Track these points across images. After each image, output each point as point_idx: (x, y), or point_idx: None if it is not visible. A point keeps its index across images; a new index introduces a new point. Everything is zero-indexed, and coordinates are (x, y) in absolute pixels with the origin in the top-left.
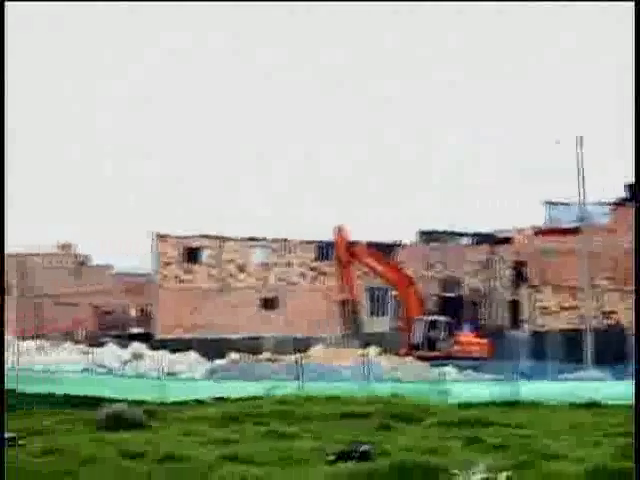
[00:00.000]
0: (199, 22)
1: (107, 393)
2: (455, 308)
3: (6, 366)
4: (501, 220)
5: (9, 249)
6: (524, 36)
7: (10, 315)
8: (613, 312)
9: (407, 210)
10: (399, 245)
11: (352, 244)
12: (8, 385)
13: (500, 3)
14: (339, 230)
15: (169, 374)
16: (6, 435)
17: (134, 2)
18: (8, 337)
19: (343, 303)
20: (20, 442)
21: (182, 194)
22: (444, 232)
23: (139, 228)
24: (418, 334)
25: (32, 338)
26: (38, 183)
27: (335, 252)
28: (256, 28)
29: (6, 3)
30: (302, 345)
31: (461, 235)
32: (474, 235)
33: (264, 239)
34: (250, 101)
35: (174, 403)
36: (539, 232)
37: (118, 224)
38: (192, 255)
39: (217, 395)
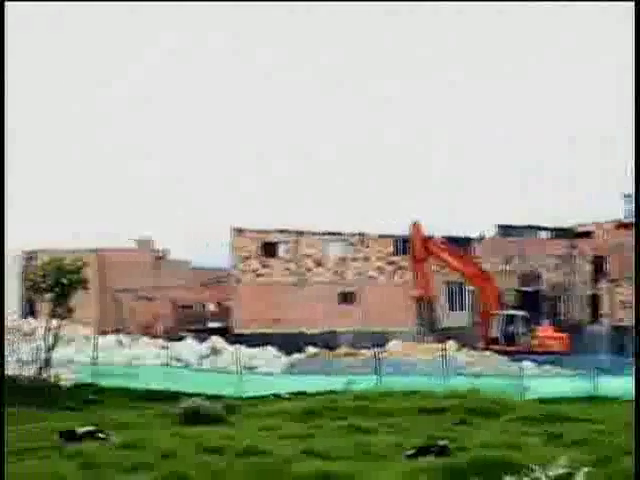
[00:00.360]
0: (198, 22)
1: (185, 388)
2: (534, 302)
3: (86, 361)
4: (580, 214)
5: (88, 244)
6: (524, 36)
7: (89, 311)
8: None
9: (484, 204)
10: (478, 239)
11: (428, 239)
12: (88, 380)
13: (500, 3)
14: (415, 226)
15: (247, 368)
16: (88, 428)
17: (134, 2)
18: (87, 333)
19: (419, 298)
20: (100, 435)
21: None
22: (523, 226)
23: (215, 223)
24: (496, 329)
25: (111, 333)
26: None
27: (411, 248)
28: (255, 28)
29: (6, 3)
30: (380, 339)
31: (540, 229)
32: (553, 229)
33: (341, 233)
34: (251, 101)
35: (252, 398)
36: (620, 226)
37: (195, 219)
38: (269, 249)
39: (295, 390)
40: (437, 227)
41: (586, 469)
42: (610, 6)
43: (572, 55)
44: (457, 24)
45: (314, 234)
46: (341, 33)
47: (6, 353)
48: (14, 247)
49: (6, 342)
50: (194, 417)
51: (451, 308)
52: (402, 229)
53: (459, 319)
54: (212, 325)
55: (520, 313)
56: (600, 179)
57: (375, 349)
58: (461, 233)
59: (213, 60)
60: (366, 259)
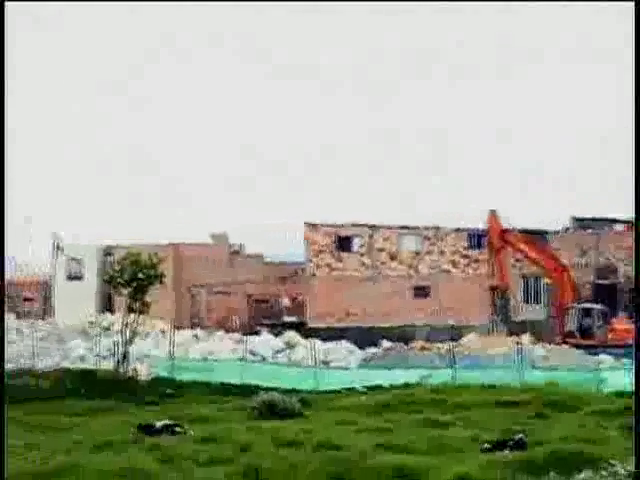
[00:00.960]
0: (198, 22)
1: (261, 382)
2: (610, 295)
3: (163, 356)
4: None
5: (163, 240)
6: (524, 36)
7: (166, 305)
8: None
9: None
10: (553, 232)
11: (505, 231)
12: (166, 374)
13: (500, 3)
14: (492, 215)
15: (322, 363)
16: (166, 422)
17: (133, 2)
18: (164, 327)
19: (495, 289)
20: (178, 429)
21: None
22: (599, 218)
23: (289, 217)
24: (572, 322)
25: (187, 328)
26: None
27: (488, 238)
28: (255, 28)
29: (6, 3)
30: (455, 333)
31: (616, 222)
32: (628, 222)
33: (415, 227)
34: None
35: (328, 392)
36: None
37: (268, 213)
38: (344, 243)
39: (371, 384)
40: (512, 219)
41: None
42: (610, 6)
43: (572, 55)
44: (457, 24)
45: (389, 228)
46: (340, 33)
47: (85, 346)
48: (92, 243)
49: (85, 336)
50: (270, 411)
51: (527, 301)
52: (474, 223)
53: (535, 312)
54: (287, 319)
55: (597, 306)
56: None
57: (450, 343)
58: (536, 226)
59: (213, 60)
60: (441, 253)
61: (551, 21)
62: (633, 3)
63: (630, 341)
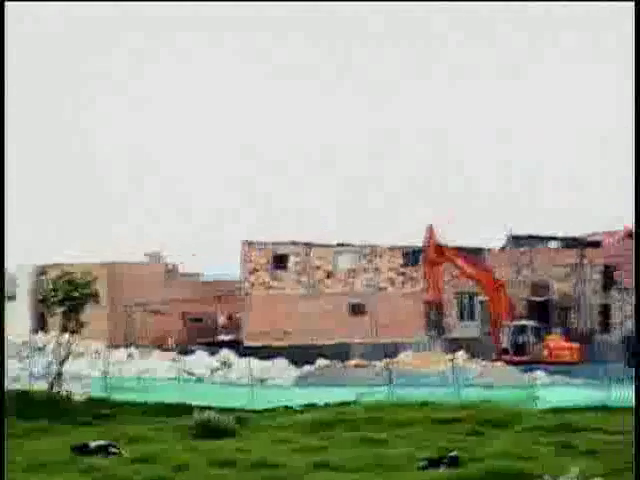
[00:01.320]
0: (198, 22)
1: (197, 401)
2: (544, 312)
3: (97, 375)
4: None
5: (100, 259)
6: (524, 36)
7: (101, 324)
8: None
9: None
10: (488, 249)
11: (441, 246)
12: (100, 394)
13: (500, 3)
14: (429, 229)
15: (258, 381)
16: (100, 443)
17: (131, 2)
18: (99, 346)
19: (429, 304)
20: (113, 449)
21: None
22: (532, 236)
23: (224, 236)
24: (507, 339)
25: (122, 347)
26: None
27: (424, 251)
28: (255, 28)
29: (6, 3)
30: (391, 351)
31: (550, 239)
32: (563, 239)
33: (351, 245)
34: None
35: (264, 410)
36: (629, 234)
37: (203, 232)
38: (280, 262)
39: (307, 402)
40: (447, 237)
41: None
42: (610, 6)
43: (572, 55)
44: (457, 24)
45: (324, 246)
46: (341, 34)
47: (19, 367)
48: (25, 262)
49: (18, 356)
50: (206, 430)
51: (462, 318)
52: (410, 240)
53: (470, 329)
54: (223, 338)
55: (531, 323)
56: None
57: (386, 360)
58: (470, 243)
59: (213, 60)
60: (377, 270)
61: (551, 21)
62: (633, 3)
63: (565, 358)
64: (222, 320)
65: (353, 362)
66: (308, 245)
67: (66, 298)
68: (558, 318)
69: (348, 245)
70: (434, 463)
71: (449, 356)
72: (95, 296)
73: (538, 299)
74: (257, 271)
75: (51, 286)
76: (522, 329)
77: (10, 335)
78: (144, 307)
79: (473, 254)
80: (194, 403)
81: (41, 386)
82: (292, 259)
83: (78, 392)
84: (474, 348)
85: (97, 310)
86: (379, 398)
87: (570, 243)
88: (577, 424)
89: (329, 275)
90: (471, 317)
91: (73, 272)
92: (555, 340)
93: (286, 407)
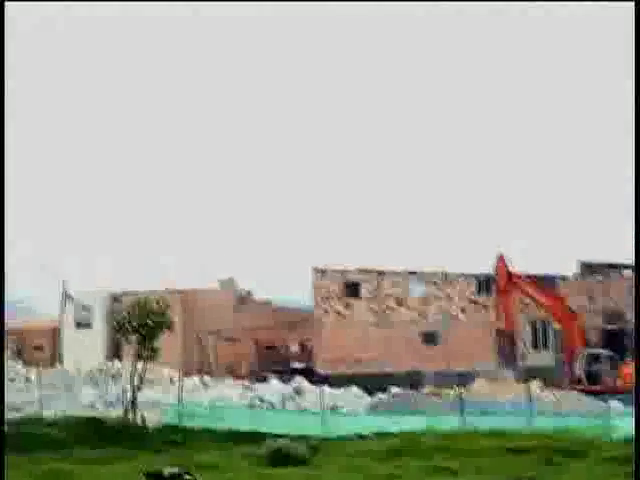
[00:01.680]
0: (198, 23)
1: (270, 428)
2: (618, 341)
3: (171, 402)
4: None
5: (174, 285)
6: (524, 36)
7: (174, 352)
8: None
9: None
10: (561, 277)
11: (513, 275)
12: (174, 421)
13: (500, 3)
14: (500, 258)
15: (331, 409)
16: (174, 470)
17: (130, 2)
18: (172, 374)
19: (501, 333)
20: (187, 477)
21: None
22: (606, 264)
23: (296, 263)
24: (581, 367)
25: (196, 374)
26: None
27: (496, 280)
28: (255, 28)
29: (6, 3)
30: (463, 379)
31: (624, 267)
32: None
33: (423, 272)
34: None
35: (337, 438)
36: None
37: (276, 259)
38: (351, 289)
39: (379, 430)
40: (517, 265)
41: None
42: (610, 6)
43: (571, 56)
44: (457, 24)
45: (395, 273)
46: (341, 35)
47: (93, 393)
48: (100, 289)
49: (92, 383)
50: (279, 458)
51: (535, 347)
52: (483, 268)
53: (543, 358)
54: (295, 366)
55: (605, 352)
56: None
57: (459, 389)
58: (542, 271)
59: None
60: (449, 298)
61: (551, 21)
62: (633, 3)
63: None
64: (294, 348)
65: (426, 390)
66: (379, 272)
67: (141, 325)
68: (633, 347)
69: (419, 272)
70: None
71: (523, 385)
72: (169, 324)
73: (612, 327)
74: (329, 299)
75: (126, 314)
76: (596, 358)
77: (85, 362)
78: (217, 335)
79: (545, 282)
80: (266, 430)
81: (116, 413)
82: (364, 286)
83: (152, 419)
84: (548, 377)
85: (171, 337)
86: (452, 426)
87: None
88: None
89: (401, 302)
90: (545, 346)
91: (148, 300)
92: (629, 369)
93: (359, 435)
